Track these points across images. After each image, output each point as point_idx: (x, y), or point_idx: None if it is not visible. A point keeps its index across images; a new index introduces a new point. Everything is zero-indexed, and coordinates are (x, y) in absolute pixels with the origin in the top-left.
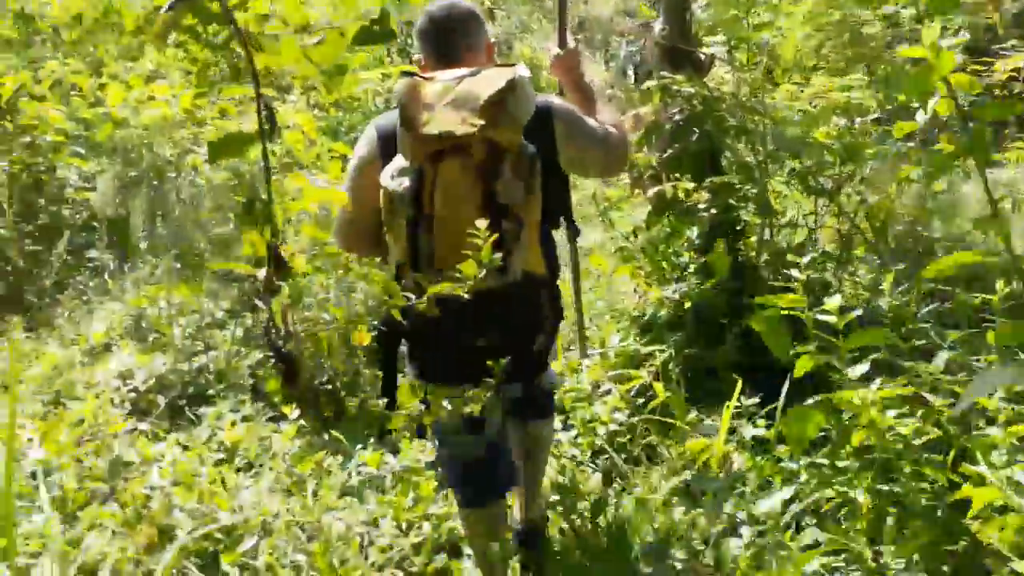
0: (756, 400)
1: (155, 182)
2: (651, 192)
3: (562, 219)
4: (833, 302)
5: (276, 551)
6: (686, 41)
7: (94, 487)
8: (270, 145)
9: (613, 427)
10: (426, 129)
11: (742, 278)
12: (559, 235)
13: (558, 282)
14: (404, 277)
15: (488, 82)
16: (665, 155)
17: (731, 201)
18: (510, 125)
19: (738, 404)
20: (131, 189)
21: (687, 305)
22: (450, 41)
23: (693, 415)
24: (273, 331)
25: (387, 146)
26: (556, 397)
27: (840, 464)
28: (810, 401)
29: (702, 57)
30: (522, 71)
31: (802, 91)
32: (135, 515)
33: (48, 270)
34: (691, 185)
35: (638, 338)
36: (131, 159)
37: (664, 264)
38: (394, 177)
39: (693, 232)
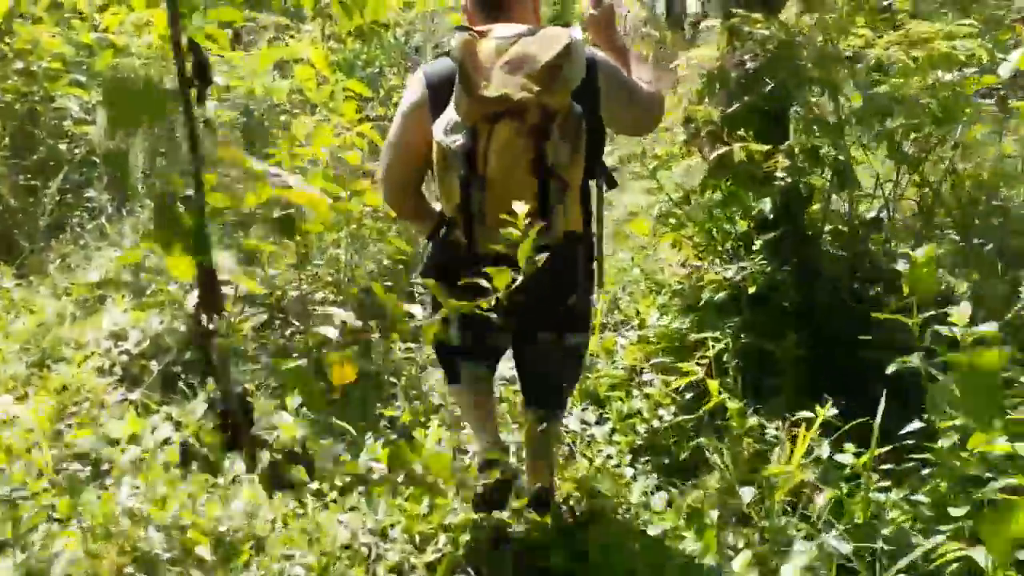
0: (834, 411)
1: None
2: (714, 153)
3: (598, 171)
4: (961, 312)
5: (269, 573)
6: None
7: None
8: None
9: (656, 424)
10: (484, 92)
11: (806, 254)
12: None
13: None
14: (450, 230)
15: (545, 44)
16: (730, 109)
17: (802, 165)
18: (564, 89)
19: (812, 418)
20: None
21: (752, 290)
22: None
23: (753, 420)
24: (215, 383)
25: (436, 95)
26: (588, 384)
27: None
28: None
29: None
30: (575, 33)
31: (878, 37)
32: (103, 533)
33: (42, 210)
34: (765, 147)
35: (680, 315)
36: None
37: (716, 234)
38: (447, 133)
39: (765, 204)
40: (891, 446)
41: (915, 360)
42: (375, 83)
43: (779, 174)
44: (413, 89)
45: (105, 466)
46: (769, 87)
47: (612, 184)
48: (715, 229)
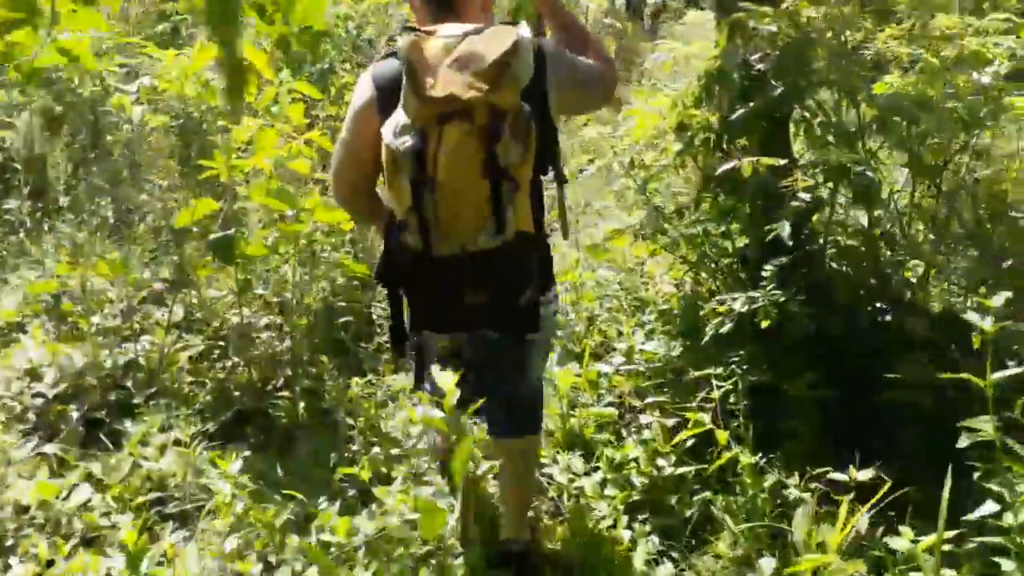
0: (869, 473)
1: (89, 119)
2: (717, 165)
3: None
4: None
5: None
6: None
7: None
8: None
9: (654, 473)
10: (432, 92)
11: (816, 277)
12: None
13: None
14: (401, 232)
15: (492, 43)
16: (734, 116)
17: (822, 182)
18: (512, 87)
19: (840, 479)
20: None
21: (764, 324)
22: None
23: (771, 479)
24: None
25: (384, 97)
26: (572, 424)
27: None
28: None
29: None
30: (523, 31)
31: (880, 30)
32: None
33: None
34: (780, 161)
35: (669, 339)
36: (60, 92)
37: (710, 251)
38: (396, 135)
39: (783, 228)
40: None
41: (988, 430)
42: (325, 79)
43: (802, 195)
44: (361, 90)
45: (10, 541)
46: (779, 90)
47: (561, 180)
48: (709, 247)
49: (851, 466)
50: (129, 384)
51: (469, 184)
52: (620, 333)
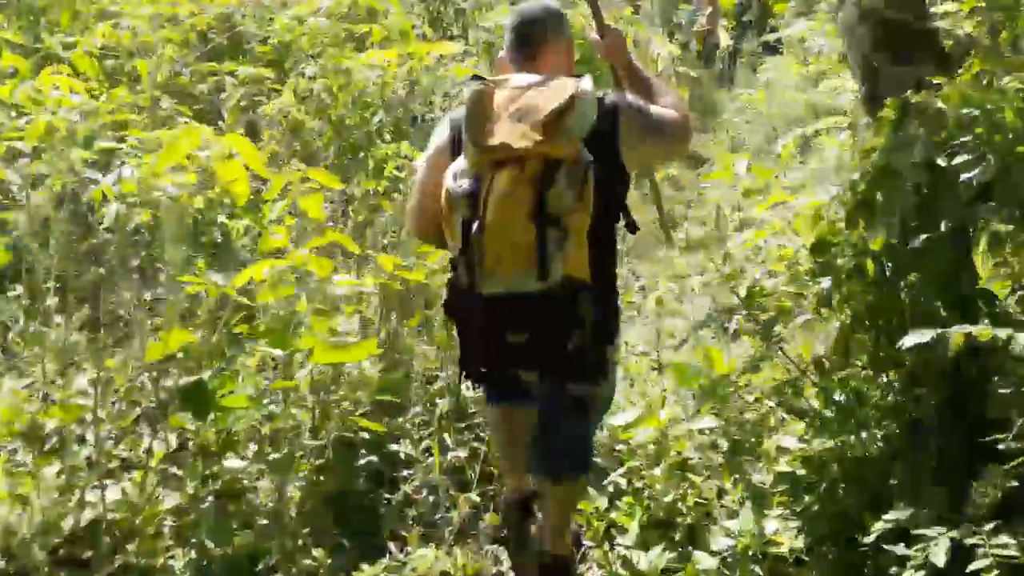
0: None
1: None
2: (910, 342)
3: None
4: None
5: None
6: (917, 11)
7: None
8: None
9: None
10: (489, 140)
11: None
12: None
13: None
14: (455, 268)
15: (551, 95)
16: (912, 243)
17: None
18: (566, 140)
19: None
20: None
21: None
22: (530, 34)
23: None
24: None
25: (457, 141)
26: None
27: None
28: None
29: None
30: (584, 84)
31: None
32: None
33: None
34: (1021, 338)
35: (802, 524)
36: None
37: (862, 414)
38: (456, 178)
39: None
40: None
41: None
42: (366, 149)
43: None
44: (439, 133)
45: None
46: (990, 203)
47: (633, 229)
48: (865, 411)
49: None
50: (90, 555)
51: (515, 228)
52: (721, 494)
